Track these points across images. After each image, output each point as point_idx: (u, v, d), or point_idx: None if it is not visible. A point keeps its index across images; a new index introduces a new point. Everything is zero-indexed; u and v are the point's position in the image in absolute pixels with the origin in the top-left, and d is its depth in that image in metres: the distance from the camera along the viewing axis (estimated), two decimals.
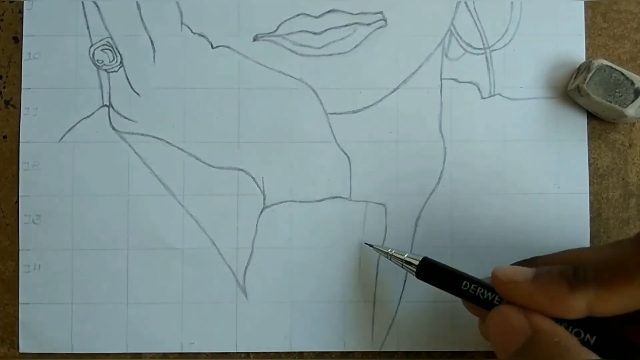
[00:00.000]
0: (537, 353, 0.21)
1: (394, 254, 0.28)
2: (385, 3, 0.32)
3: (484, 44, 0.32)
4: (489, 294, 0.25)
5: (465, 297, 0.26)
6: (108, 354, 0.31)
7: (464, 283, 0.25)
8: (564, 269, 0.23)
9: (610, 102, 0.29)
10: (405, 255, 0.28)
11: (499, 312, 0.23)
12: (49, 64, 0.32)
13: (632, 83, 0.29)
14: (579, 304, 0.22)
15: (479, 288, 0.25)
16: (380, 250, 0.29)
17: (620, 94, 0.29)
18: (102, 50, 0.32)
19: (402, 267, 0.28)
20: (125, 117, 0.32)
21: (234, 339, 0.31)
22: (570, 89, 0.31)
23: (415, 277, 0.27)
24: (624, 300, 0.21)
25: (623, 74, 0.29)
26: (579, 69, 0.31)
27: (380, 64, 0.32)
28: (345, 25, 0.32)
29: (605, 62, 0.30)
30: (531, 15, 0.32)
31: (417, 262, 0.27)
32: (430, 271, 0.27)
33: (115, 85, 0.32)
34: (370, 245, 0.30)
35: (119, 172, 0.31)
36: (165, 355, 0.31)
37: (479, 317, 0.26)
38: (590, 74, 0.30)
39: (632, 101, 0.29)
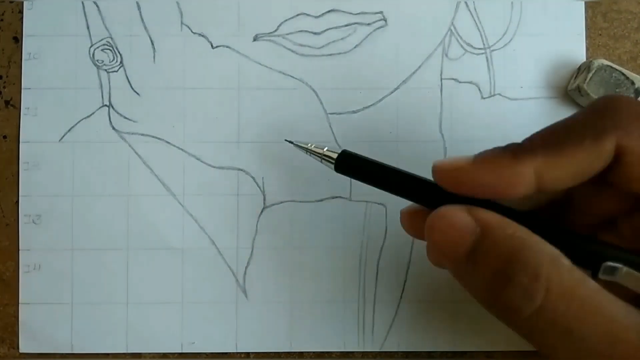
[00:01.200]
0: (491, 251, 0.19)
1: (313, 149, 0.26)
2: (385, 3, 0.32)
3: (484, 44, 0.32)
4: (420, 186, 0.23)
5: (392, 188, 0.23)
6: (108, 354, 0.31)
7: (390, 173, 0.23)
8: (508, 144, 0.21)
9: None
10: (325, 149, 0.26)
11: (438, 216, 0.21)
12: (49, 64, 0.32)
13: (633, 83, 0.29)
14: (527, 173, 0.19)
15: (408, 179, 0.23)
16: (299, 145, 0.27)
17: (620, 94, 0.29)
18: (102, 50, 0.32)
19: (321, 162, 0.26)
20: (125, 117, 0.32)
21: (234, 339, 0.31)
22: (570, 89, 0.31)
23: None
24: (575, 164, 0.19)
25: (623, 74, 0.29)
26: (579, 68, 0.31)
27: (380, 64, 0.32)
28: (345, 25, 0.32)
29: (606, 62, 0.30)
30: (531, 15, 0.32)
31: (335, 155, 0.25)
32: (350, 162, 0.25)
33: (115, 85, 0.32)
34: (290, 142, 0.28)
35: (119, 172, 0.31)
36: (165, 355, 0.31)
37: (412, 230, 0.24)
38: (590, 74, 0.30)
39: None
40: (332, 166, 0.25)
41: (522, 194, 0.20)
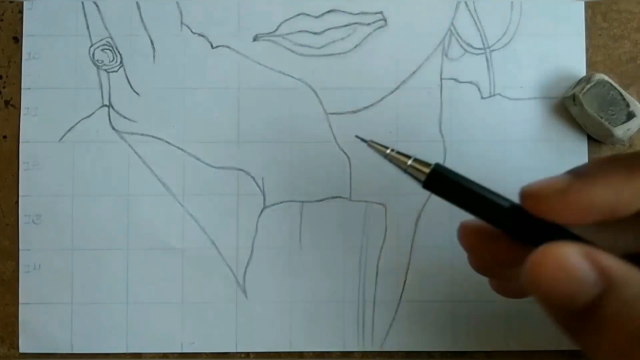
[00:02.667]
0: (623, 313, 0.16)
1: (395, 155, 0.22)
2: (385, 3, 0.32)
3: (484, 44, 0.32)
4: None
5: (486, 215, 0.20)
6: (108, 354, 0.31)
7: (486, 194, 0.20)
8: (619, 155, 0.18)
9: (601, 118, 0.29)
10: (411, 160, 0.21)
11: (553, 256, 0.16)
12: (49, 64, 0.32)
13: (628, 105, 0.29)
14: None
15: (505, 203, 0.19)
16: (375, 146, 0.22)
17: (613, 113, 0.29)
18: (102, 50, 0.32)
19: (405, 172, 0.21)
20: (125, 117, 0.32)
21: (234, 339, 0.31)
22: (565, 97, 0.31)
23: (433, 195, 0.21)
24: None
25: (621, 94, 0.30)
26: (579, 80, 0.31)
27: (380, 64, 0.32)
28: (345, 25, 0.32)
29: (606, 79, 0.30)
30: (531, 16, 0.32)
31: (427, 170, 0.21)
32: (443, 181, 0.21)
33: (115, 85, 0.32)
34: (364, 140, 0.23)
35: (119, 172, 0.31)
36: (165, 355, 0.31)
37: (484, 270, 0.20)
38: (589, 86, 0.30)
39: (623, 122, 0.29)
40: (421, 181, 0.21)
41: (634, 212, 0.17)
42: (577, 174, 0.18)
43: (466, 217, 0.21)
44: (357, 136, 0.24)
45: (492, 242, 0.19)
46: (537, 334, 0.30)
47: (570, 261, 0.16)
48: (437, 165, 0.21)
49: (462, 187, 0.20)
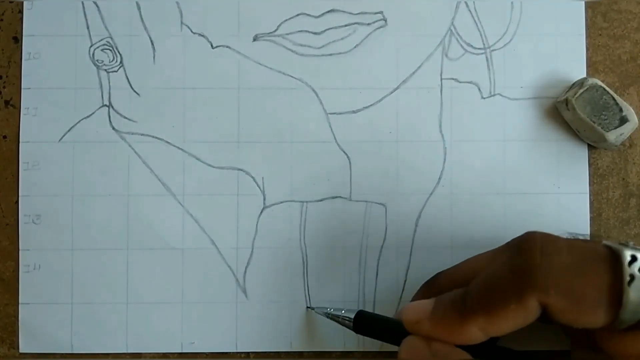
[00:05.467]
0: None
1: (332, 313, 0.29)
2: (385, 3, 0.32)
3: (484, 44, 0.32)
4: None
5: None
6: (108, 354, 0.31)
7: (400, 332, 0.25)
8: (455, 298, 0.23)
9: (594, 122, 0.29)
10: (342, 312, 0.28)
11: (405, 343, 0.24)
12: (49, 64, 0.32)
13: (620, 110, 0.29)
14: (474, 332, 0.22)
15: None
16: (319, 312, 0.30)
17: (605, 117, 0.29)
18: (102, 50, 0.32)
19: (340, 323, 0.28)
20: (125, 117, 0.32)
21: (234, 339, 0.31)
22: (558, 101, 0.31)
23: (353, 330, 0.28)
24: (509, 322, 0.22)
25: (614, 99, 0.30)
26: (572, 84, 0.31)
27: (380, 64, 0.32)
28: (345, 25, 0.32)
29: (600, 83, 0.30)
30: (531, 15, 0.32)
31: (352, 316, 0.28)
32: (367, 324, 0.27)
33: (115, 85, 0.32)
34: (312, 309, 0.31)
35: (119, 172, 0.31)
36: (165, 355, 0.31)
37: None
38: (581, 90, 0.30)
39: (616, 127, 0.29)
40: (351, 327, 0.28)
41: (474, 344, 0.23)
42: (433, 308, 0.24)
43: None
44: (308, 307, 0.31)
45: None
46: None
47: (413, 345, 0.24)
48: (359, 312, 0.28)
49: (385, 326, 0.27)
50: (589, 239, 0.26)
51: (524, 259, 0.22)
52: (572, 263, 0.21)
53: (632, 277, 0.20)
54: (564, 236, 0.23)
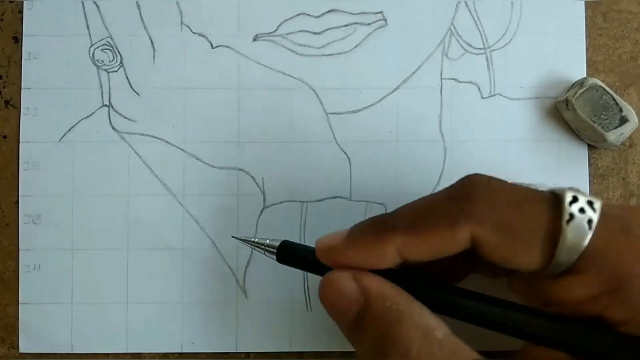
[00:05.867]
0: (370, 324, 0.21)
1: (256, 242, 0.27)
2: (385, 3, 0.32)
3: (484, 44, 0.32)
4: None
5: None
6: (108, 354, 0.31)
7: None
8: (376, 219, 0.22)
9: (594, 122, 0.29)
10: (267, 241, 0.26)
11: (328, 281, 0.22)
12: (49, 64, 0.32)
13: (620, 110, 0.29)
14: (389, 251, 0.21)
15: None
16: (244, 240, 0.28)
17: (605, 117, 0.29)
18: (102, 50, 0.32)
19: (264, 254, 0.26)
20: (125, 117, 0.32)
21: (234, 339, 0.31)
22: (558, 101, 0.31)
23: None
24: (431, 246, 0.21)
25: (614, 99, 0.30)
26: (573, 84, 0.31)
27: (380, 64, 0.32)
28: (345, 25, 0.32)
29: (599, 83, 0.30)
30: (531, 15, 0.32)
31: (277, 245, 0.26)
32: (290, 253, 0.25)
33: (115, 85, 0.32)
34: (236, 238, 0.29)
35: (119, 172, 0.31)
36: (165, 355, 0.31)
37: None
38: (581, 90, 0.30)
39: (616, 127, 0.29)
40: (274, 257, 0.26)
41: (388, 266, 0.22)
42: (348, 232, 0.22)
43: None
44: (233, 236, 0.30)
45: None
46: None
47: (340, 282, 0.22)
48: (284, 241, 0.26)
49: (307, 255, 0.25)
50: None
51: (467, 189, 0.21)
52: (513, 200, 0.21)
53: (572, 216, 0.20)
54: None
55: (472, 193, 0.21)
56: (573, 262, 0.20)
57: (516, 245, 0.20)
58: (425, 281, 0.23)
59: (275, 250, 0.26)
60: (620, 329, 0.21)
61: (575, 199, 0.20)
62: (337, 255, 0.22)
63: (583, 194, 0.21)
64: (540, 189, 0.22)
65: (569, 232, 0.20)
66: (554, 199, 0.21)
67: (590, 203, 0.20)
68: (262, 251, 0.27)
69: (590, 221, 0.20)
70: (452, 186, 0.22)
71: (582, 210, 0.20)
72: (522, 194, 0.21)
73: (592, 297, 0.21)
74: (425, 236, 0.21)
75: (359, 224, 0.23)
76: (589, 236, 0.20)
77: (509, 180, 0.22)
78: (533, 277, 0.22)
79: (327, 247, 0.22)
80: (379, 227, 0.22)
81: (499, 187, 0.21)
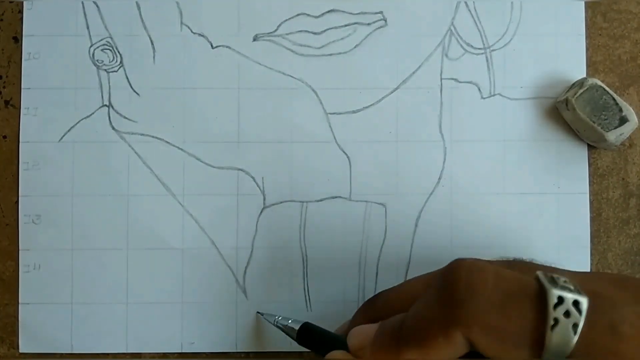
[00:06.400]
0: None
1: (279, 321, 0.29)
2: (385, 3, 0.32)
3: (484, 44, 0.32)
4: None
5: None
6: (108, 354, 0.31)
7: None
8: (394, 326, 0.24)
9: (594, 122, 0.29)
10: (289, 322, 0.28)
11: (330, 355, 0.26)
12: (49, 64, 0.32)
13: (620, 110, 0.29)
14: None
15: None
16: (266, 318, 0.30)
17: (605, 117, 0.29)
18: (102, 50, 0.32)
19: (285, 334, 0.29)
20: (125, 117, 0.32)
21: (233, 339, 0.31)
22: (558, 101, 0.31)
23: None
24: (441, 355, 0.22)
25: (614, 99, 0.30)
26: (572, 84, 0.31)
27: (380, 64, 0.32)
28: (345, 25, 0.32)
29: (599, 83, 0.30)
30: (531, 15, 0.32)
31: (297, 327, 0.28)
32: (310, 337, 0.28)
33: (115, 85, 0.32)
34: (261, 314, 0.31)
35: (119, 172, 0.31)
36: (165, 355, 0.31)
37: None
38: (581, 90, 0.30)
39: (615, 127, 0.29)
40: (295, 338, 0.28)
41: None
42: (374, 337, 0.24)
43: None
44: (258, 312, 0.31)
45: None
46: None
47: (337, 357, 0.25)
48: (305, 324, 0.28)
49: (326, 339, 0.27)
50: (526, 262, 0.26)
51: (449, 292, 0.22)
52: (496, 299, 0.21)
53: (557, 321, 0.20)
54: (499, 260, 0.24)
55: (454, 296, 0.22)
56: None
57: (505, 347, 0.21)
58: None
59: (295, 332, 0.28)
60: None
61: (560, 300, 0.20)
62: (367, 357, 0.24)
63: (569, 289, 0.20)
64: (535, 262, 0.23)
65: (554, 337, 0.20)
66: (539, 295, 0.21)
67: (576, 303, 0.20)
68: (283, 331, 0.29)
69: (575, 325, 0.20)
70: (439, 284, 0.23)
71: (567, 314, 0.20)
72: (504, 291, 0.21)
73: None
74: (432, 347, 0.22)
75: (381, 331, 0.24)
76: (574, 341, 0.20)
77: (495, 259, 0.23)
78: None
79: (358, 348, 0.25)
80: (397, 339, 0.23)
81: (479, 283, 0.22)
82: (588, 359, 0.20)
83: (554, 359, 0.20)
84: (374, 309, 0.27)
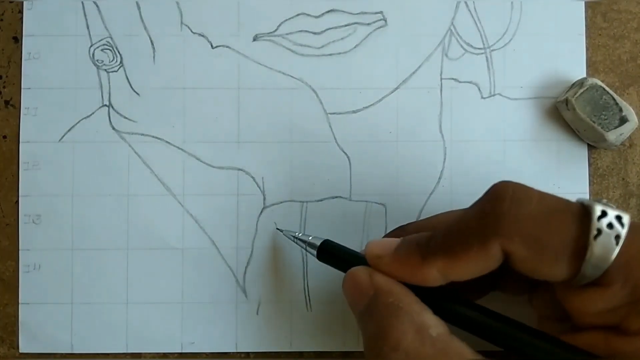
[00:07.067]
0: (376, 312, 0.23)
1: (300, 237, 0.29)
2: (385, 3, 0.32)
3: (484, 44, 0.32)
4: None
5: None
6: (108, 354, 0.31)
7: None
8: (420, 239, 0.23)
9: (594, 122, 0.29)
10: (310, 238, 0.28)
11: (350, 274, 0.25)
12: (49, 64, 0.32)
13: (620, 110, 0.29)
14: (433, 273, 0.22)
15: None
16: (287, 235, 0.30)
17: (605, 117, 0.29)
18: (102, 50, 0.32)
19: (305, 250, 0.28)
20: (125, 117, 0.32)
21: (233, 339, 0.31)
22: (558, 101, 0.31)
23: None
24: (470, 266, 0.22)
25: (614, 99, 0.30)
26: (572, 84, 0.31)
27: (380, 64, 0.32)
28: (345, 25, 0.32)
29: (599, 83, 0.30)
30: (531, 15, 0.32)
31: (318, 243, 0.27)
32: (330, 252, 0.27)
33: (115, 85, 0.32)
34: (280, 230, 0.30)
35: (119, 172, 0.31)
36: (165, 355, 0.31)
37: None
38: (581, 90, 0.30)
39: (616, 127, 0.29)
40: (315, 254, 0.28)
41: (433, 285, 0.23)
42: (396, 248, 0.24)
43: None
44: (277, 229, 0.31)
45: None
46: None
47: (357, 276, 0.24)
48: (325, 240, 0.28)
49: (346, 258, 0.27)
50: None
51: (493, 205, 0.22)
52: (540, 212, 0.21)
53: (600, 231, 0.20)
54: None
55: (498, 208, 0.21)
56: (599, 275, 0.21)
57: (544, 259, 0.21)
58: (449, 296, 0.24)
59: (316, 248, 0.27)
60: (636, 339, 0.21)
61: (604, 214, 0.21)
62: (384, 265, 0.24)
63: (611, 207, 0.21)
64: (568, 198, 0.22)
65: (596, 248, 0.20)
66: (582, 212, 0.21)
67: (618, 218, 0.21)
68: (304, 247, 0.28)
69: (618, 237, 0.20)
70: (481, 200, 0.23)
71: (610, 226, 0.20)
72: (548, 206, 0.21)
73: (613, 308, 0.21)
74: (462, 258, 0.22)
75: (405, 241, 0.24)
76: (616, 252, 0.20)
77: (537, 188, 0.22)
78: (556, 288, 0.23)
79: (376, 256, 0.24)
80: (423, 249, 0.23)
81: (524, 199, 0.22)
82: (627, 270, 0.20)
83: (591, 272, 0.21)
84: (404, 232, 0.26)
